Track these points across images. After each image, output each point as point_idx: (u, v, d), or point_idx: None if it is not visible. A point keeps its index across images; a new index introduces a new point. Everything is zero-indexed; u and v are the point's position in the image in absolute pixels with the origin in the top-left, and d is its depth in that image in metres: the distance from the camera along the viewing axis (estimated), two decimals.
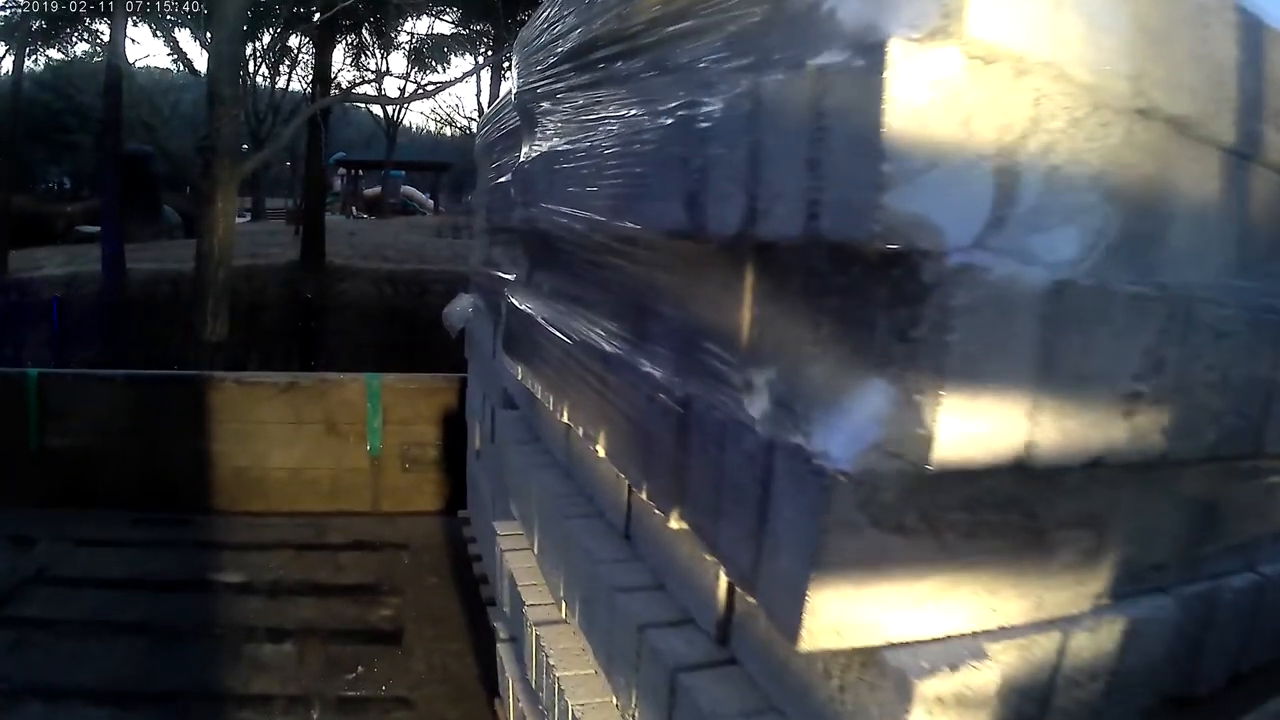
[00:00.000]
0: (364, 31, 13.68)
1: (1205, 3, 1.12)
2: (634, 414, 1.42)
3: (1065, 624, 1.10)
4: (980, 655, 0.98)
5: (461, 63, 15.94)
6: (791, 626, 0.95)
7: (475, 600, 3.83)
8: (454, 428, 5.14)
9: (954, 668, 0.95)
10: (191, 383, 5.23)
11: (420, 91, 15.93)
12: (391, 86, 16.45)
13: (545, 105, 2.17)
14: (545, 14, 2.07)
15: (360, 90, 15.48)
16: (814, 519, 0.91)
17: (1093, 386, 1.01)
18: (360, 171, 29.02)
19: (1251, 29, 1.18)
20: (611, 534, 1.71)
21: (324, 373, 5.72)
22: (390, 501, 5.30)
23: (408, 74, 17.34)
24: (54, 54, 12.45)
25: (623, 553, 1.60)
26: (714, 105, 1.16)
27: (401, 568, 4.49)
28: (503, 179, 3.03)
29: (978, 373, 0.90)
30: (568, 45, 1.86)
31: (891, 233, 0.87)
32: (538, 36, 2.14)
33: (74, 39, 12.03)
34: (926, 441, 0.89)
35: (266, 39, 13.52)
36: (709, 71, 1.27)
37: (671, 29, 1.39)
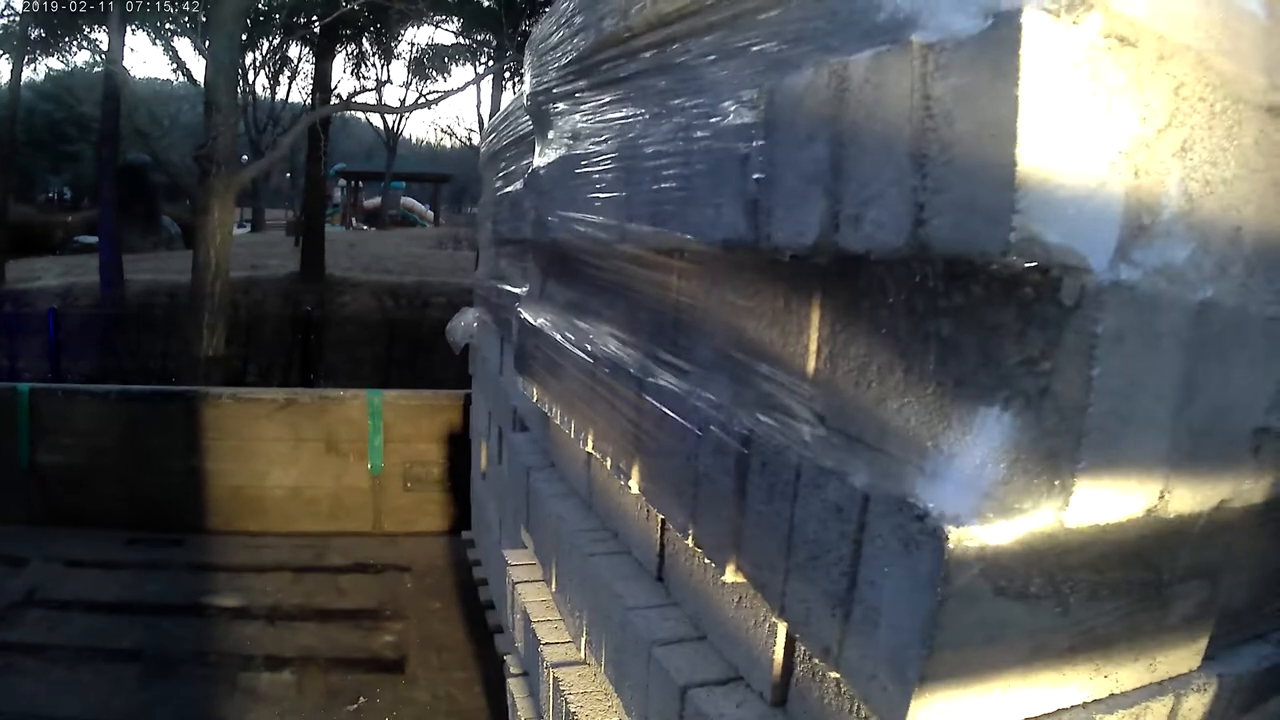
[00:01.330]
0: (364, 41, 13.32)
1: None
2: (677, 448, 1.25)
3: (1177, 685, 0.98)
4: None
5: (463, 72, 15.71)
6: (893, 710, 0.79)
7: (481, 626, 3.72)
8: (458, 446, 5.01)
9: None
10: (187, 398, 5.04)
11: (421, 101, 15.71)
12: (392, 96, 16.11)
13: (562, 106, 1.96)
14: (564, 6, 1.86)
15: (360, 99, 15.17)
16: (928, 589, 0.75)
17: (1226, 422, 0.87)
18: (360, 183, 29.04)
19: None
20: (642, 575, 1.54)
21: (324, 389, 5.60)
22: (392, 522, 5.16)
23: (408, 84, 17.05)
24: (54, 63, 12.09)
25: (656, 597, 1.44)
26: (783, 92, 1.00)
27: (404, 591, 4.35)
28: (511, 188, 2.83)
29: (1121, 410, 0.76)
30: (590, 39, 1.67)
31: (1029, 244, 0.72)
32: (554, 31, 1.93)
33: (74, 47, 11.69)
34: (1063, 494, 0.75)
35: (266, 48, 13.08)
36: (776, 53, 1.09)
37: (722, 11, 1.21)
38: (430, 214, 28.97)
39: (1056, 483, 0.75)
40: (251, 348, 7.68)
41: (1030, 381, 0.77)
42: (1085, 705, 0.90)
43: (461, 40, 13.93)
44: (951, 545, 0.74)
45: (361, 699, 3.32)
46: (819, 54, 0.99)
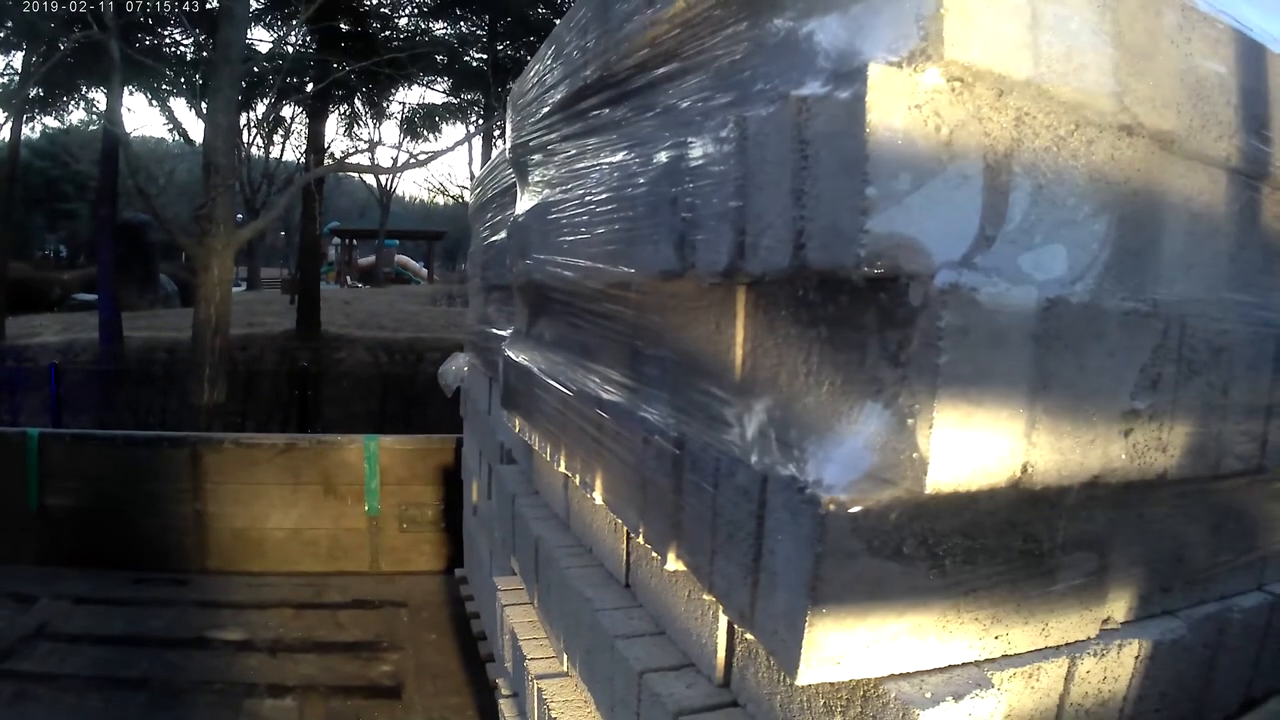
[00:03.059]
0: (357, 101, 13.93)
1: (1186, 18, 1.12)
2: (630, 458, 1.40)
3: (1072, 650, 1.08)
4: (985, 685, 0.95)
5: (453, 131, 16.16)
6: (790, 660, 0.92)
7: (474, 657, 3.84)
8: (451, 488, 5.18)
9: (958, 698, 0.92)
10: (190, 444, 5.25)
11: (413, 161, 16.16)
12: (385, 156, 16.62)
13: (537, 158, 2.17)
14: (535, 68, 2.08)
15: (354, 160, 15.69)
16: (810, 549, 0.89)
17: (1089, 405, 0.99)
18: (354, 240, 29.38)
19: (1235, 42, 1.18)
20: (611, 583, 1.68)
21: (321, 435, 5.77)
22: (389, 561, 5.31)
23: (400, 143, 17.62)
24: (50, 121, 12.63)
25: (623, 601, 1.58)
26: (700, 143, 1.16)
27: (401, 625, 4.50)
28: (496, 237, 3.05)
29: (970, 394, 0.88)
30: (557, 96, 1.87)
31: (877, 257, 0.86)
32: (528, 90, 2.16)
33: (71, 107, 12.23)
34: (921, 465, 0.87)
35: (260, 109, 13.74)
36: (694, 110, 1.27)
37: (656, 72, 1.40)
38: (424, 271, 29.28)
39: (915, 456, 0.88)
40: (250, 402, 7.83)
41: (891, 373, 0.90)
42: (979, 664, 1.01)
43: (451, 100, 14.40)
44: (823, 510, 0.87)
45: None
46: (728, 110, 1.15)
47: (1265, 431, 1.24)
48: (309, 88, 11.69)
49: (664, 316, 1.40)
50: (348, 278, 27.50)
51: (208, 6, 9.13)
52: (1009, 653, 1.03)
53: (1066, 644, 1.08)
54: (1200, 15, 1.14)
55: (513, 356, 2.34)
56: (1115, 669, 1.12)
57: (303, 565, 5.15)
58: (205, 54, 10.73)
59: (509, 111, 2.38)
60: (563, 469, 1.86)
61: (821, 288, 0.99)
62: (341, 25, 10.80)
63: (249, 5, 7.93)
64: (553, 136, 1.96)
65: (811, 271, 0.95)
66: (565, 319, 1.95)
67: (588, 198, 1.61)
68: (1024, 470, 0.95)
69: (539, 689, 1.79)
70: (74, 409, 7.54)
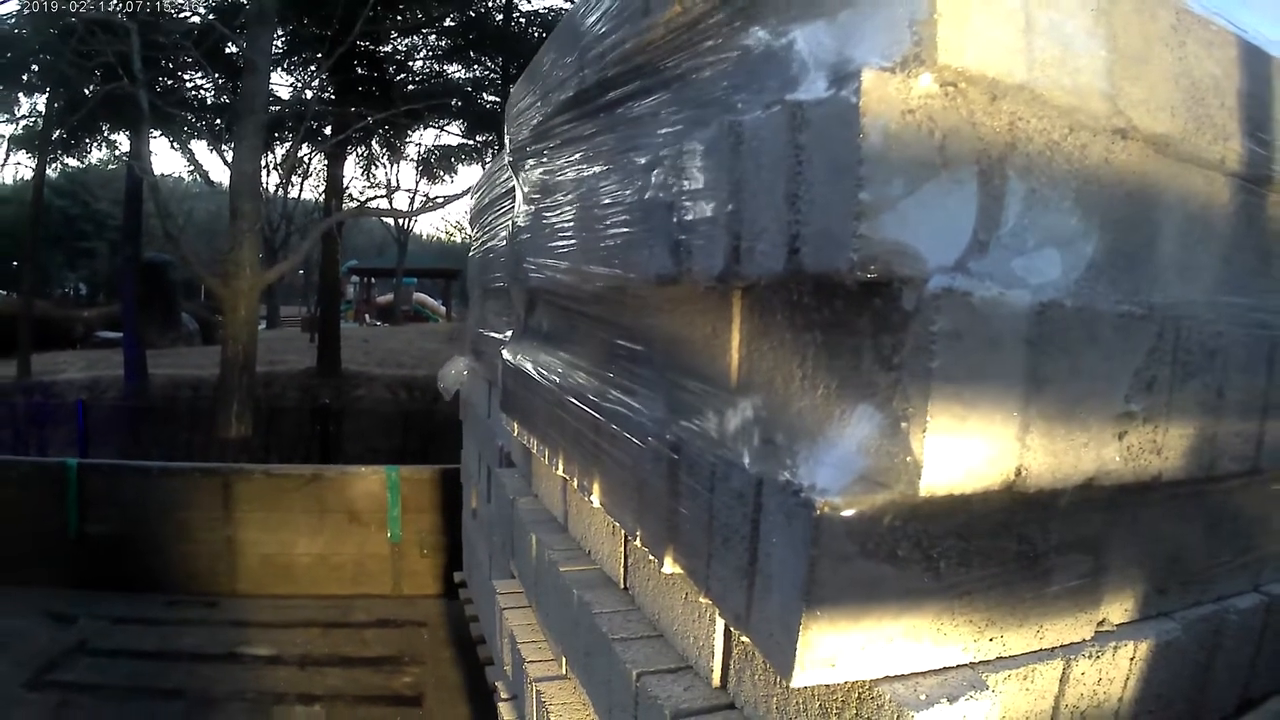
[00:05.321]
0: (374, 144, 14.04)
1: (1180, 20, 1.12)
2: (627, 461, 1.41)
3: (1067, 652, 1.08)
4: (980, 687, 0.96)
5: (469, 171, 16.32)
6: (785, 661, 0.93)
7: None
8: None
9: (952, 700, 0.93)
10: (222, 474, 5.51)
11: (430, 204, 16.32)
12: (402, 198, 16.89)
13: (534, 163, 2.18)
14: (532, 74, 2.09)
15: (373, 204, 15.85)
16: (804, 551, 0.89)
17: (1083, 408, 0.99)
18: (373, 279, 29.51)
19: (1230, 45, 1.18)
20: (609, 586, 1.69)
21: (346, 466, 6.11)
22: (410, 585, 5.54)
23: (417, 184, 17.74)
24: (70, 161, 12.71)
25: (621, 604, 1.58)
26: (695, 148, 1.17)
27: (421, 642, 4.75)
28: (494, 241, 3.05)
29: (964, 397, 0.89)
30: (552, 103, 1.88)
31: (870, 261, 0.86)
32: (524, 97, 2.16)
33: (93, 148, 12.37)
34: (914, 469, 0.88)
35: (280, 151, 13.85)
36: (688, 116, 1.27)
37: (652, 78, 1.40)
38: (443, 308, 29.46)
39: (909, 460, 0.88)
40: (273, 437, 8.08)
41: (885, 376, 0.91)
42: (974, 665, 1.01)
43: (467, 141, 14.52)
44: (818, 513, 0.87)
45: None
46: (722, 116, 1.16)
47: (1260, 433, 1.24)
48: (327, 131, 11.83)
49: (660, 320, 1.40)
50: (366, 316, 27.62)
51: (226, 51, 9.43)
52: (1004, 655, 1.04)
53: (1061, 646, 1.09)
54: (1195, 18, 1.15)
55: (511, 360, 2.35)
56: (1110, 671, 1.12)
57: (329, 589, 5.41)
58: (225, 98, 10.98)
59: (507, 118, 2.39)
60: (561, 472, 1.86)
61: (816, 292, 0.99)
62: (358, 70, 10.91)
63: (270, 59, 8.15)
64: (548, 142, 1.97)
65: (806, 276, 0.96)
66: (563, 323, 1.96)
67: (584, 202, 1.61)
68: (1018, 473, 0.95)
69: (538, 691, 1.80)
70: (101, 443, 7.75)
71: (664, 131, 1.34)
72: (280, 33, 9.76)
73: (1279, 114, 1.26)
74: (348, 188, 15.72)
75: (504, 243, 2.63)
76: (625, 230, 1.40)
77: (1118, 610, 1.15)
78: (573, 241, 1.69)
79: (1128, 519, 1.12)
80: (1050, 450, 0.97)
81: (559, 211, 1.79)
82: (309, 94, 10.78)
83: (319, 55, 10.50)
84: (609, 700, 1.46)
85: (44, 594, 5.03)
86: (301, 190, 18.75)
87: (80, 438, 7.66)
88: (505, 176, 2.72)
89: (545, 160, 2.04)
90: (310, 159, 15.66)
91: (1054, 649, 1.08)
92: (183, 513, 5.38)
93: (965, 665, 1.01)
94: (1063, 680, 1.08)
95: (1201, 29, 1.15)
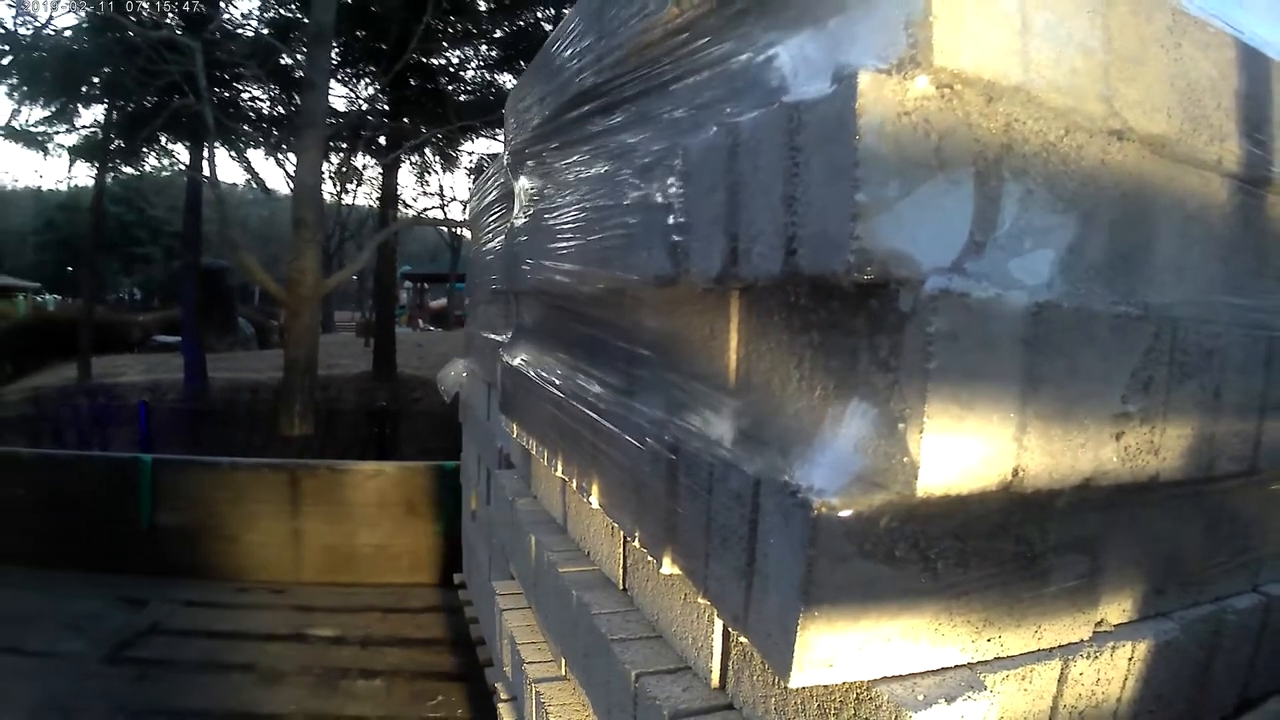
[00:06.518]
0: (427, 152, 14.15)
1: (1177, 22, 1.13)
2: (625, 462, 1.41)
3: (1065, 653, 1.09)
4: (978, 687, 0.96)
5: None
6: (783, 662, 0.93)
7: None
8: None
9: (950, 700, 0.93)
10: (288, 469, 5.83)
11: None
12: (455, 206, 17.04)
13: (534, 163, 2.18)
14: (531, 75, 2.09)
15: (427, 214, 16.10)
16: (801, 552, 0.89)
17: (1080, 408, 1.00)
18: (426, 284, 29.53)
19: (1226, 46, 1.18)
20: (608, 587, 1.69)
21: (404, 462, 6.37)
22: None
23: (471, 191, 17.71)
24: (125, 169, 12.98)
25: (620, 605, 1.58)
26: (692, 149, 1.17)
27: (473, 627, 4.90)
28: (493, 243, 3.06)
29: (960, 398, 0.89)
30: (551, 104, 1.88)
31: (866, 262, 0.87)
32: (524, 97, 2.17)
33: (151, 157, 12.64)
34: (911, 469, 0.88)
35: (335, 160, 14.02)
36: (686, 118, 1.28)
37: (648, 79, 1.41)
38: None
39: (906, 460, 0.89)
40: (329, 438, 8.28)
41: (881, 377, 0.91)
42: (972, 666, 1.02)
43: None
44: (816, 513, 0.88)
45: (440, 697, 4.10)
46: (720, 117, 1.16)
47: (1258, 432, 1.24)
48: (382, 140, 11.99)
49: (658, 321, 1.41)
50: (420, 321, 27.77)
51: (282, 63, 9.80)
52: (1001, 655, 1.04)
53: (1059, 646, 1.09)
54: (1191, 20, 1.15)
55: (510, 361, 2.35)
56: (1109, 671, 1.12)
57: (387, 577, 5.70)
58: (280, 109, 11.33)
59: (507, 118, 2.39)
60: (560, 473, 1.87)
61: (813, 293, 1.00)
62: (412, 82, 11.07)
63: (329, 76, 8.43)
64: (547, 144, 1.97)
65: (803, 277, 0.96)
66: (561, 324, 1.96)
67: (583, 203, 1.62)
68: (1015, 473, 0.95)
69: (537, 693, 1.80)
70: (163, 444, 7.96)
71: (661, 133, 1.35)
72: (335, 45, 9.91)
73: (1276, 115, 1.26)
74: (401, 195, 15.85)
75: (502, 244, 2.64)
76: (623, 232, 1.41)
77: (1116, 611, 1.16)
78: (571, 243, 1.69)
79: (1125, 519, 1.13)
80: (1047, 451, 0.97)
81: (557, 213, 1.79)
82: (363, 105, 11.00)
83: (373, 68, 10.77)
84: (608, 701, 1.46)
85: (118, 581, 5.35)
86: (355, 196, 18.94)
87: (143, 438, 7.92)
88: (503, 179, 2.73)
89: (543, 162, 2.04)
90: (363, 168, 15.83)
91: (1052, 649, 1.08)
92: (251, 505, 5.66)
93: (963, 666, 1.01)
94: (1061, 681, 1.08)
95: (1198, 30, 1.16)
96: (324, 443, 7.93)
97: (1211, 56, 1.17)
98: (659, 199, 1.27)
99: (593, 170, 1.67)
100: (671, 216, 1.22)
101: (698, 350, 1.28)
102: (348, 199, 18.38)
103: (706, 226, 1.13)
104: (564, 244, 1.74)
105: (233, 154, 11.63)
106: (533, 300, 2.28)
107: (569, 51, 1.75)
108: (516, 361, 2.28)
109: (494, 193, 3.13)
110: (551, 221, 1.83)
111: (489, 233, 3.31)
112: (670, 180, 1.23)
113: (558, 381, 1.85)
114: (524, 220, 2.18)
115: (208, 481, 5.74)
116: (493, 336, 3.23)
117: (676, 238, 1.20)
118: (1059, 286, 0.99)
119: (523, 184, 2.33)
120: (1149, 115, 1.09)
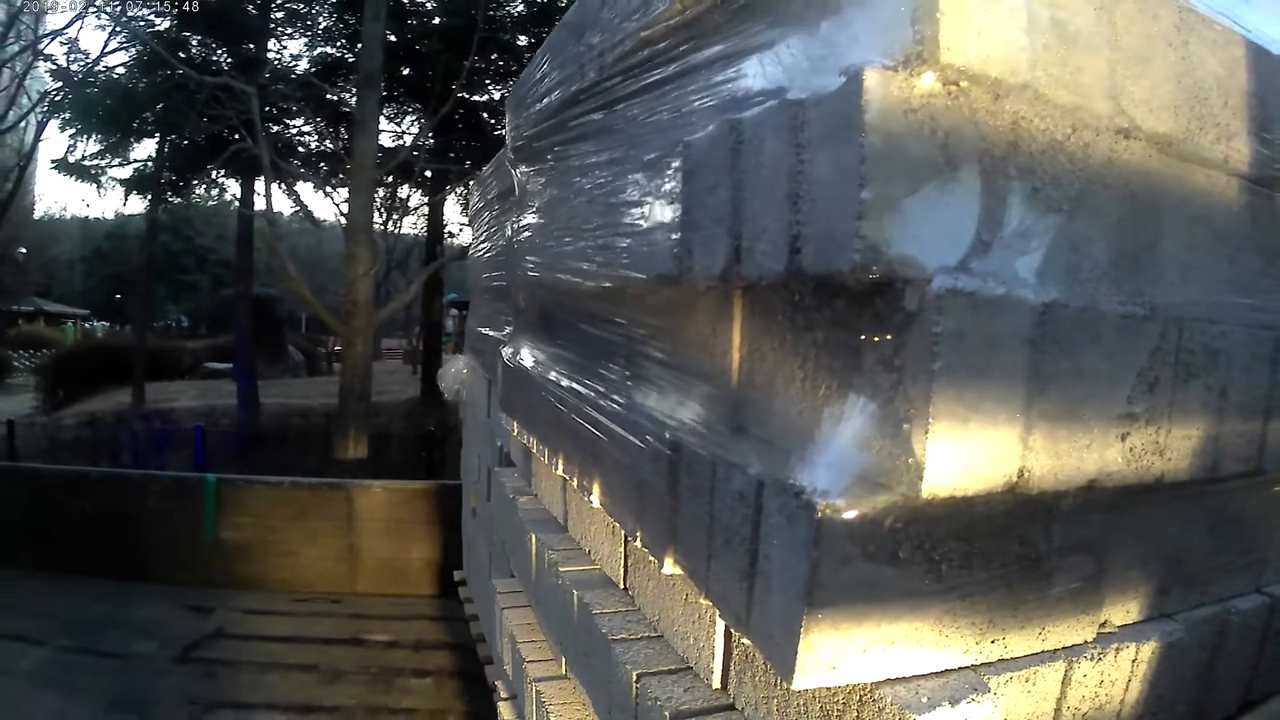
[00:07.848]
0: (470, 185, 14.27)
1: (1184, 20, 1.12)
2: (627, 461, 1.40)
3: (1069, 654, 1.08)
4: (981, 689, 0.95)
5: None
6: (786, 663, 0.92)
7: None
8: None
9: (954, 703, 0.92)
10: (345, 488, 6.13)
11: None
12: None
13: (534, 161, 2.17)
14: (532, 72, 2.08)
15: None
16: (805, 554, 0.89)
17: (1086, 409, 0.99)
18: None
19: (1233, 44, 1.18)
20: (609, 586, 1.68)
21: (453, 481, 6.58)
22: None
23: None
24: (176, 199, 13.21)
25: (621, 604, 1.58)
26: (694, 147, 1.16)
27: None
28: (494, 240, 3.05)
29: (966, 398, 0.88)
30: (553, 100, 1.87)
31: (872, 261, 0.86)
32: (525, 95, 2.15)
33: (200, 189, 12.83)
34: (916, 470, 0.87)
35: (381, 192, 14.18)
36: (689, 115, 1.27)
37: (650, 76, 1.40)
38: None
39: (911, 461, 0.88)
40: (380, 462, 8.53)
41: (886, 377, 0.90)
42: (975, 667, 1.01)
43: None
44: (820, 515, 0.87)
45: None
46: (724, 115, 1.15)
47: (1263, 433, 1.23)
48: (427, 173, 12.15)
49: (661, 320, 1.40)
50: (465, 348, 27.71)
51: (326, 97, 10.17)
52: (1005, 657, 1.03)
53: (1063, 648, 1.08)
54: (1198, 18, 1.14)
55: (510, 359, 2.34)
56: (1112, 673, 1.12)
57: (437, 588, 5.94)
58: (328, 144, 11.70)
59: (508, 117, 2.38)
60: (561, 472, 1.86)
61: (817, 292, 0.99)
62: (456, 117, 11.25)
63: (379, 119, 8.75)
64: (549, 141, 1.96)
65: (807, 276, 0.95)
66: (563, 322, 1.95)
67: (585, 201, 1.61)
68: (1020, 474, 0.94)
69: (538, 691, 1.79)
70: (218, 467, 8.20)
71: (665, 130, 1.34)
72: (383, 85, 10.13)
73: None
74: (447, 225, 16.17)
75: (504, 241, 2.63)
76: (625, 229, 1.40)
77: (1120, 612, 1.15)
78: (574, 241, 1.68)
79: (1130, 520, 1.12)
80: (1053, 451, 0.96)
81: (561, 210, 1.78)
82: (408, 140, 11.30)
83: (418, 105, 11.08)
84: (609, 701, 1.45)
85: (183, 591, 5.74)
86: (400, 226, 19.06)
87: (199, 460, 8.32)
88: (505, 175, 2.72)
89: (546, 159, 2.03)
90: (408, 198, 15.95)
91: (1056, 651, 1.07)
92: (309, 522, 6.00)
93: (967, 667, 1.00)
94: (1065, 682, 1.07)
95: (1205, 28, 1.15)
96: (376, 465, 8.24)
97: (1219, 55, 1.16)
98: (662, 196, 1.26)
99: (594, 167, 1.66)
100: (674, 214, 1.21)
101: (700, 349, 1.27)
102: (393, 227, 18.59)
103: (709, 224, 1.12)
104: (565, 241, 1.73)
105: (283, 187, 11.78)
106: (533, 298, 2.28)
107: (571, 47, 1.74)
108: (517, 359, 2.27)
109: (495, 190, 3.12)
110: (553, 219, 1.82)
111: (489, 230, 3.30)
112: (672, 178, 1.22)
113: (559, 379, 1.84)
114: (525, 218, 2.17)
115: (268, 499, 6.06)
116: (493, 334, 3.22)
117: (679, 235, 1.20)
118: (1065, 286, 0.98)
119: (525, 180, 2.32)
120: (1156, 113, 1.08)
